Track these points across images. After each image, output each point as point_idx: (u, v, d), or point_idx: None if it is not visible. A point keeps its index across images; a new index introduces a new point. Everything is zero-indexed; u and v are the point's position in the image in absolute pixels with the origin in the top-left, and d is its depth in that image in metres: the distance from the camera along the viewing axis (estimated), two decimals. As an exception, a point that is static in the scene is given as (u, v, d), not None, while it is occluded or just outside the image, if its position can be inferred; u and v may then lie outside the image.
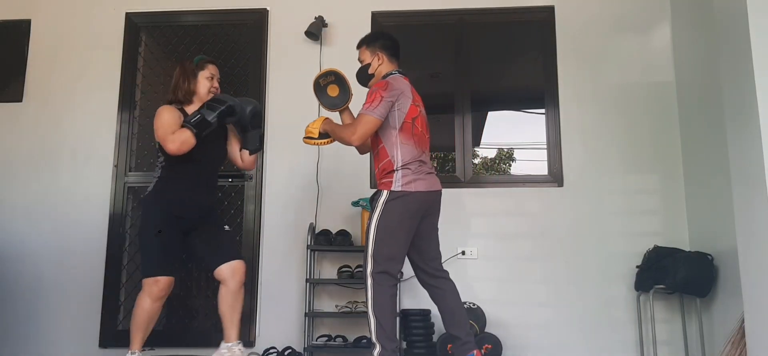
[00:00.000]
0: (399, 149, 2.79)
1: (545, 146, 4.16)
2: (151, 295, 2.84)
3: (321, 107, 3.23)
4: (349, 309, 3.78)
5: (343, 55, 4.32)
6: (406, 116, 2.81)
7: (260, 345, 3.94)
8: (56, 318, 4.06)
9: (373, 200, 2.81)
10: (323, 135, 3.02)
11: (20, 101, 4.38)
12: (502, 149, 4.71)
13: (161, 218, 2.86)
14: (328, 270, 4.04)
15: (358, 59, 3.08)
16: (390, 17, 4.37)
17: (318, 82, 3.16)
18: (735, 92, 2.67)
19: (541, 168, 4.17)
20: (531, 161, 4.46)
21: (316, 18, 4.23)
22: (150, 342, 4.00)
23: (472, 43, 4.34)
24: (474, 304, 3.80)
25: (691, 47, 3.94)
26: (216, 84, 3.04)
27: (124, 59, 4.39)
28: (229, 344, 2.96)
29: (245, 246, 4.11)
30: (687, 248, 3.77)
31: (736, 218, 2.68)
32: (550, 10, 4.28)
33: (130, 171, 4.27)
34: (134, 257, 4.26)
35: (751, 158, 2.51)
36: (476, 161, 4.36)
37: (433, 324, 3.76)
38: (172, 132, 2.80)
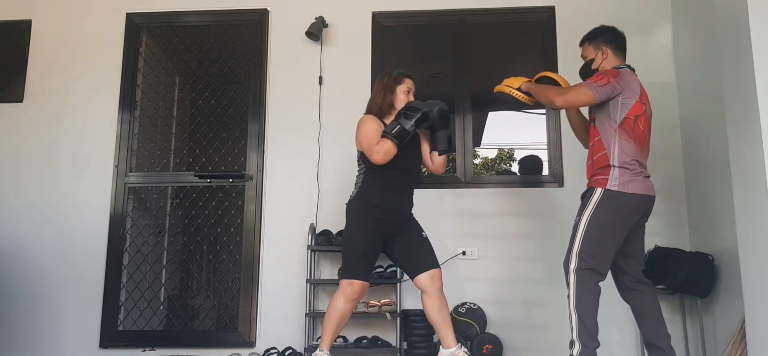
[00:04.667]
0: (617, 145, 2.70)
1: (545, 146, 4.15)
2: (345, 296, 2.89)
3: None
4: (349, 309, 3.77)
5: (343, 55, 4.32)
6: (630, 111, 2.72)
7: (261, 346, 3.94)
8: (56, 318, 4.06)
9: (585, 196, 2.75)
10: (524, 93, 2.95)
11: (21, 101, 4.38)
12: (503, 149, 4.71)
13: (364, 221, 2.92)
14: (329, 270, 4.03)
15: (582, 56, 3.00)
16: (390, 17, 4.37)
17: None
18: (735, 92, 2.66)
19: (542, 168, 4.17)
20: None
21: (316, 18, 4.23)
22: (150, 342, 4.03)
23: (472, 43, 4.34)
24: (475, 304, 3.80)
25: (691, 47, 3.94)
26: (412, 97, 3.09)
27: (125, 59, 4.39)
28: (451, 350, 2.95)
29: (246, 246, 4.11)
30: (687, 249, 3.77)
31: (736, 218, 2.68)
32: (550, 10, 4.28)
33: (130, 171, 4.27)
34: (134, 258, 4.26)
35: (752, 159, 2.50)
36: (477, 161, 4.35)
37: (433, 325, 3.75)
38: (376, 143, 2.89)
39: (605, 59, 2.90)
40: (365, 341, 3.75)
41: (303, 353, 3.76)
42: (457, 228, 4.03)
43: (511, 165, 4.68)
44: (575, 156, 4.09)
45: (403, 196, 3.04)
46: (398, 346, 3.72)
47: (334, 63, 4.31)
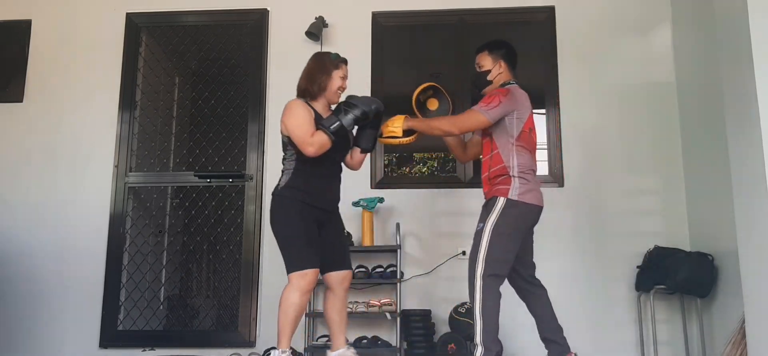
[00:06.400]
0: (515, 157, 2.83)
1: (545, 146, 4.15)
2: (300, 289, 2.74)
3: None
4: (349, 310, 3.77)
5: (343, 55, 4.31)
6: (525, 124, 2.86)
7: (260, 346, 3.94)
8: (56, 318, 4.06)
9: (487, 205, 2.85)
10: (407, 132, 2.94)
11: (21, 101, 4.37)
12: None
13: (298, 209, 2.77)
14: (329, 270, 4.03)
15: (477, 64, 3.05)
16: (390, 17, 4.37)
17: (418, 98, 3.13)
18: (735, 92, 2.67)
19: (542, 168, 4.16)
20: (531, 161, 4.47)
21: (316, 18, 4.23)
22: (150, 342, 4.03)
23: (472, 43, 4.32)
24: (474, 304, 3.79)
25: (691, 47, 3.94)
26: (345, 85, 2.98)
27: (125, 59, 4.39)
28: (340, 350, 2.91)
29: (246, 247, 4.11)
30: (687, 249, 3.77)
31: (736, 218, 2.68)
32: (550, 10, 4.28)
33: (130, 171, 4.27)
34: (134, 258, 4.26)
35: (752, 158, 2.51)
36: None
37: (433, 324, 3.76)
38: (310, 134, 2.74)
39: (500, 73, 3.00)
40: (365, 341, 3.75)
41: (303, 353, 3.76)
42: (457, 228, 4.02)
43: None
44: (575, 156, 4.10)
45: (332, 186, 2.93)
46: (398, 346, 3.72)
47: (334, 63, 4.30)
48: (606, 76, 4.17)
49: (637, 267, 3.78)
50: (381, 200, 3.96)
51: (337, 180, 2.97)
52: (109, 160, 4.26)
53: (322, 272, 2.89)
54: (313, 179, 2.83)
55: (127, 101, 4.34)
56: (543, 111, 4.21)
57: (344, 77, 2.97)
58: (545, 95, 4.20)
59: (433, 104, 3.15)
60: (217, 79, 4.59)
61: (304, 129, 2.76)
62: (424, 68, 4.64)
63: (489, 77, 3.00)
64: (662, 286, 3.56)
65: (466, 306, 3.73)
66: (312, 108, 2.86)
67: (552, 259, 3.97)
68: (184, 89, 5.11)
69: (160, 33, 4.61)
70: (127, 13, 4.45)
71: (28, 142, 4.31)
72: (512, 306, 3.92)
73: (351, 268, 2.97)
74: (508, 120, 2.83)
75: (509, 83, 2.97)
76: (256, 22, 4.41)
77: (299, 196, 2.79)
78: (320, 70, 2.92)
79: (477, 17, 4.33)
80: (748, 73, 2.51)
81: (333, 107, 2.95)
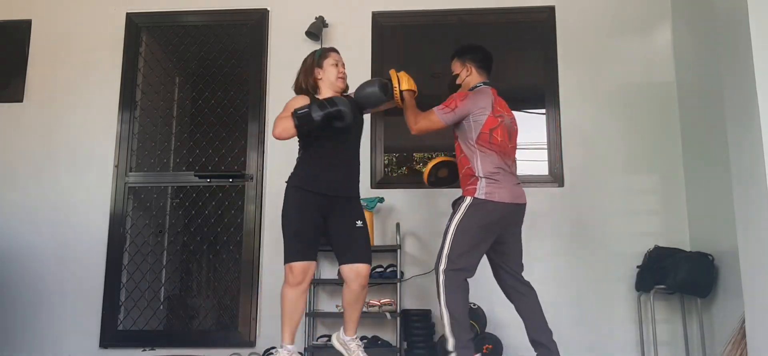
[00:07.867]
0: (479, 159, 2.90)
1: (545, 146, 4.15)
2: (288, 282, 2.79)
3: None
4: (349, 309, 3.77)
5: (343, 55, 4.31)
6: (483, 127, 2.91)
7: (261, 346, 3.94)
8: (56, 318, 4.06)
9: (456, 203, 2.95)
10: (402, 94, 3.05)
11: (21, 101, 4.38)
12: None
13: (295, 199, 2.82)
14: (329, 270, 4.03)
15: (452, 70, 3.19)
16: (390, 17, 4.37)
17: (429, 179, 3.25)
18: (735, 91, 2.67)
19: (542, 168, 4.16)
20: (531, 161, 4.46)
21: (316, 18, 4.23)
22: (150, 342, 4.03)
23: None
24: (474, 304, 3.79)
25: (691, 47, 3.94)
26: (342, 69, 3.05)
27: (125, 59, 4.39)
28: (348, 338, 2.97)
29: (246, 247, 4.11)
30: (687, 249, 3.77)
31: (736, 218, 2.68)
32: (550, 10, 4.28)
33: (130, 171, 4.27)
34: (134, 258, 4.26)
35: (752, 158, 2.51)
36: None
37: (433, 324, 3.76)
38: (282, 119, 2.79)
39: (469, 76, 3.11)
40: (365, 341, 3.74)
41: (303, 353, 3.77)
42: (457, 228, 4.02)
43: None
44: (575, 156, 4.10)
45: (338, 171, 2.89)
46: (398, 346, 3.72)
47: (334, 63, 4.30)
48: (606, 76, 4.17)
49: (637, 266, 3.78)
50: (381, 200, 3.96)
51: (346, 167, 2.94)
52: (109, 160, 4.26)
53: (339, 263, 2.93)
54: (312, 167, 2.88)
55: (127, 100, 4.34)
56: (543, 111, 4.22)
57: (336, 64, 3.04)
58: (545, 95, 4.20)
59: (443, 173, 3.27)
60: (217, 79, 4.59)
61: (284, 111, 2.86)
62: (425, 68, 4.63)
63: (458, 81, 3.13)
64: (662, 286, 3.56)
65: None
66: (314, 98, 2.91)
67: (552, 259, 3.98)
68: (184, 89, 5.11)
69: (160, 33, 4.61)
70: (127, 13, 4.46)
71: (28, 142, 4.31)
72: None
73: (367, 262, 2.87)
74: (465, 123, 2.92)
75: (477, 86, 3.05)
76: (256, 22, 4.41)
77: (297, 183, 2.86)
78: (304, 73, 3.05)
79: (477, 17, 4.33)
80: (748, 73, 2.51)
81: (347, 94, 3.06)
